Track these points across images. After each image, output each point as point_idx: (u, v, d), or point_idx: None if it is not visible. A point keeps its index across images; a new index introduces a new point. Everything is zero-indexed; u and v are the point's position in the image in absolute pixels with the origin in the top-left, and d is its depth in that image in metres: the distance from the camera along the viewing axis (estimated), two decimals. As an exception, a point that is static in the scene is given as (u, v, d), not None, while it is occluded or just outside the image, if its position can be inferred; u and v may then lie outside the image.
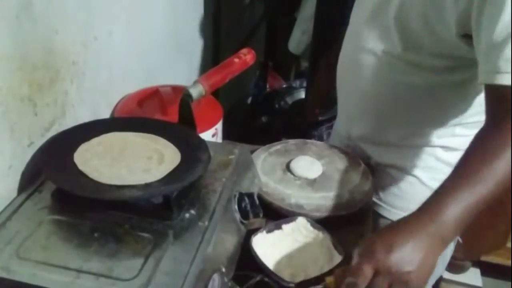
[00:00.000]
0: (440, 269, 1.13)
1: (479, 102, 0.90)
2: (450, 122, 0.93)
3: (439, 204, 0.63)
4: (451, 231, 0.62)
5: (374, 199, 1.02)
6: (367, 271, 0.59)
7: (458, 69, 0.85)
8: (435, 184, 0.99)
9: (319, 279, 0.67)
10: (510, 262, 1.91)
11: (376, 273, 0.60)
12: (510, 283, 1.85)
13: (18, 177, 0.71)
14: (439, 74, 0.86)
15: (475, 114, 0.91)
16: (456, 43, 0.79)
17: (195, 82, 0.79)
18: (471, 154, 0.67)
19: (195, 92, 0.77)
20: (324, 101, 1.33)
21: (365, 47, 0.92)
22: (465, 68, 0.83)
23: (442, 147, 0.95)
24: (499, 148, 0.64)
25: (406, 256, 0.60)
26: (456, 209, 0.62)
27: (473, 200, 0.62)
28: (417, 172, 0.98)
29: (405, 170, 0.99)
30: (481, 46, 0.71)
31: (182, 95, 0.78)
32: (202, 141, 0.75)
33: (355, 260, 0.62)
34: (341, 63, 1.04)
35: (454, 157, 0.95)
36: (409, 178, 0.99)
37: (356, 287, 0.60)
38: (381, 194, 1.02)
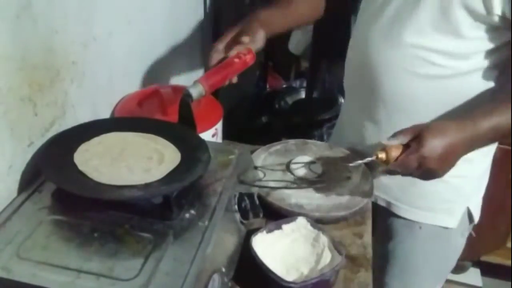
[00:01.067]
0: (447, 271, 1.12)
1: None
2: None
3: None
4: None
5: (391, 200, 1.00)
6: (413, 164, 0.70)
7: (489, 53, 0.83)
8: (456, 181, 0.97)
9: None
10: (510, 262, 1.91)
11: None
12: (510, 283, 1.85)
13: (18, 177, 0.71)
14: (468, 62, 0.84)
15: None
16: (491, 24, 0.79)
17: (195, 82, 0.79)
18: None
19: (195, 92, 0.77)
20: None
21: (385, 42, 0.89)
22: (493, 52, 0.83)
23: None
24: None
25: (452, 157, 0.70)
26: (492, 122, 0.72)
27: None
28: None
29: None
30: None
31: (182, 95, 0.78)
32: (202, 141, 0.75)
33: (409, 149, 0.70)
34: (351, 63, 1.00)
35: (475, 153, 0.93)
36: None
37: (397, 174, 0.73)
38: (399, 195, 0.99)
